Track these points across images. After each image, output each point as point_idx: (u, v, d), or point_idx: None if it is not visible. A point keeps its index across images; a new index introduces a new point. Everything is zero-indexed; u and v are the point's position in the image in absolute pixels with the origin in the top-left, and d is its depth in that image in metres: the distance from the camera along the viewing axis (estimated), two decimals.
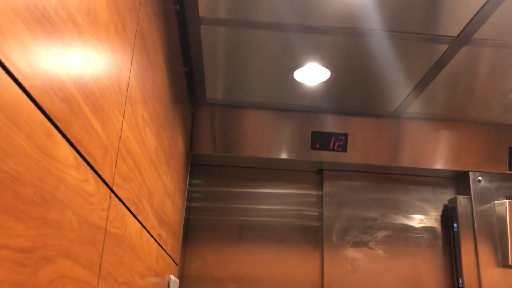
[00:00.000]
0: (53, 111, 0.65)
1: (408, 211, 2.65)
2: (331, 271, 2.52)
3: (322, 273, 2.53)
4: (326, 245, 2.56)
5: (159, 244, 1.66)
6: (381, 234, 2.60)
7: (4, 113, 0.52)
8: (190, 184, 2.64)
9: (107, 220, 0.95)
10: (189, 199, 2.63)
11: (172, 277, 2.01)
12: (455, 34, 1.80)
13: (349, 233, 2.59)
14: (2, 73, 0.51)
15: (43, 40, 0.60)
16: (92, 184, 0.84)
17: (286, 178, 2.71)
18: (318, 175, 2.71)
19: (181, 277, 2.50)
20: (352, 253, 2.56)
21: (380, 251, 2.58)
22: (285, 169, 2.72)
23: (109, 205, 0.96)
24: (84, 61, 0.76)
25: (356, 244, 2.58)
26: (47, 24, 0.61)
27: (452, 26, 1.76)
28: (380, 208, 2.64)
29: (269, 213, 2.64)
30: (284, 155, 2.53)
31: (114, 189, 0.98)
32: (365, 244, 2.58)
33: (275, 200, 2.67)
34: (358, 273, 2.53)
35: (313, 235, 2.62)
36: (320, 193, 2.68)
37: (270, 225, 2.62)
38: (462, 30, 1.77)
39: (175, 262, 2.19)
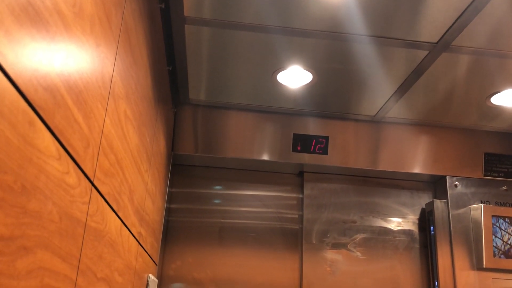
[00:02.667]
0: (36, 99, 0.65)
1: (386, 214, 2.69)
2: (310, 272, 2.54)
3: (301, 274, 2.54)
4: (306, 247, 2.57)
5: (139, 243, 1.66)
6: (359, 236, 2.63)
7: None
8: (171, 185, 2.63)
9: (87, 214, 0.95)
10: (170, 200, 2.62)
11: (151, 276, 2.00)
12: (435, 41, 1.84)
13: (328, 235, 2.61)
14: None
15: (28, 28, 0.60)
16: (73, 176, 0.84)
17: (267, 180, 2.72)
18: (298, 177, 2.73)
19: (160, 277, 2.48)
20: (331, 255, 2.58)
21: (358, 253, 2.61)
22: (266, 171, 2.73)
23: (90, 199, 0.96)
24: (68, 52, 0.76)
25: (335, 246, 2.60)
26: (32, 12, 0.61)
27: (432, 33, 1.80)
28: (359, 211, 2.67)
29: (249, 215, 2.65)
30: (265, 157, 2.54)
31: (95, 183, 0.98)
32: (344, 246, 2.61)
33: (255, 202, 2.67)
34: (337, 275, 2.55)
35: (293, 237, 2.63)
36: (301, 195, 2.69)
37: (250, 227, 2.63)
38: (442, 37, 1.81)
39: (154, 261, 2.18)
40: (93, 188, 0.97)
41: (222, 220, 2.62)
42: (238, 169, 2.71)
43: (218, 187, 2.68)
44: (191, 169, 2.70)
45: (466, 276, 2.43)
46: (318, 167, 2.63)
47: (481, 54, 1.92)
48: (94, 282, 1.05)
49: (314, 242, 2.59)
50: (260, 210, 2.66)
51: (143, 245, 1.77)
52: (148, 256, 1.95)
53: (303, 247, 2.57)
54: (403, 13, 1.69)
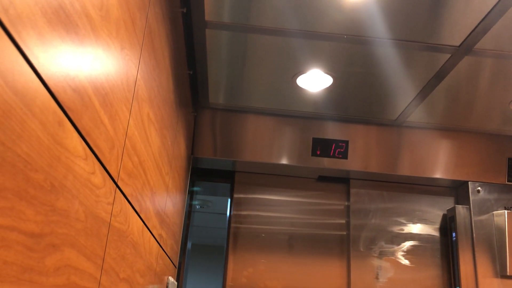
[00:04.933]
0: (65, 100, 0.66)
1: (432, 221, 2.66)
2: (358, 280, 2.52)
3: (349, 282, 2.52)
4: (353, 254, 2.56)
5: (159, 244, 1.67)
6: (406, 244, 2.61)
7: (20, 97, 0.53)
8: (237, 192, 2.66)
9: (111, 214, 0.96)
10: (236, 207, 2.64)
11: (171, 279, 2.01)
12: (457, 44, 1.82)
13: (376, 243, 2.59)
14: (20, 59, 0.53)
15: (59, 30, 0.62)
16: (98, 176, 0.85)
17: (312, 186, 2.70)
18: (344, 184, 2.69)
19: (233, 285, 2.51)
20: (378, 262, 2.57)
21: (406, 261, 2.59)
22: (286, 175, 2.73)
23: (114, 200, 0.97)
24: (95, 54, 0.78)
25: (383, 254, 2.58)
26: (63, 16, 0.63)
27: (455, 36, 1.78)
28: (404, 218, 2.65)
29: (295, 222, 2.65)
30: (284, 161, 2.54)
31: (119, 184, 1.00)
32: (391, 253, 2.59)
33: (302, 207, 2.68)
34: (385, 283, 2.53)
35: (339, 244, 2.62)
36: (347, 202, 2.68)
37: (299, 234, 2.62)
38: (464, 40, 1.79)
39: (173, 264, 2.19)
40: (117, 189, 0.99)
41: (291, 228, 2.63)
42: (289, 176, 2.70)
43: (275, 193, 2.69)
44: (252, 176, 2.70)
45: (489, 284, 2.38)
46: (339, 172, 2.61)
47: (504, 58, 1.89)
48: (117, 282, 1.06)
49: (361, 249, 2.58)
50: (306, 217, 2.66)
51: (164, 247, 1.79)
52: (168, 259, 1.97)
53: (351, 255, 2.56)
54: (424, 16, 1.68)
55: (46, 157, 0.61)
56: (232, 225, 2.60)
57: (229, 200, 2.71)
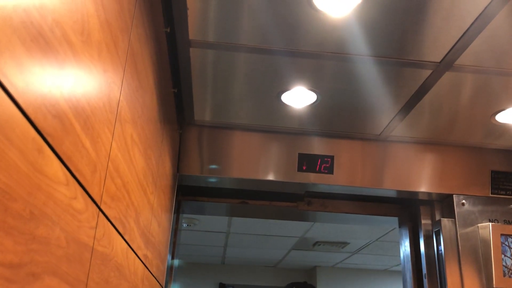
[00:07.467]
0: (45, 127, 0.65)
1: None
2: None
3: None
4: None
5: (145, 265, 1.65)
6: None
7: None
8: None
9: (94, 238, 0.95)
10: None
11: None
12: (438, 60, 1.85)
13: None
14: None
15: (38, 57, 0.62)
16: (80, 201, 0.84)
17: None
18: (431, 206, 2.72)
19: None
20: None
21: None
22: (271, 191, 2.73)
23: (97, 224, 0.96)
24: (76, 79, 0.78)
25: None
26: (42, 42, 0.62)
27: (435, 52, 1.81)
28: None
29: None
30: (271, 177, 2.54)
31: (102, 207, 0.98)
32: None
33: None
34: None
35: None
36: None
37: None
38: (445, 56, 1.82)
39: (160, 284, 2.16)
40: (100, 212, 0.98)
41: None
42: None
43: None
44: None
45: None
46: (325, 187, 2.62)
47: (484, 73, 1.93)
48: None
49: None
50: None
51: (149, 268, 1.76)
52: (154, 279, 1.94)
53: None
54: (405, 33, 1.71)
55: (25, 186, 0.60)
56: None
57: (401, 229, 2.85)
